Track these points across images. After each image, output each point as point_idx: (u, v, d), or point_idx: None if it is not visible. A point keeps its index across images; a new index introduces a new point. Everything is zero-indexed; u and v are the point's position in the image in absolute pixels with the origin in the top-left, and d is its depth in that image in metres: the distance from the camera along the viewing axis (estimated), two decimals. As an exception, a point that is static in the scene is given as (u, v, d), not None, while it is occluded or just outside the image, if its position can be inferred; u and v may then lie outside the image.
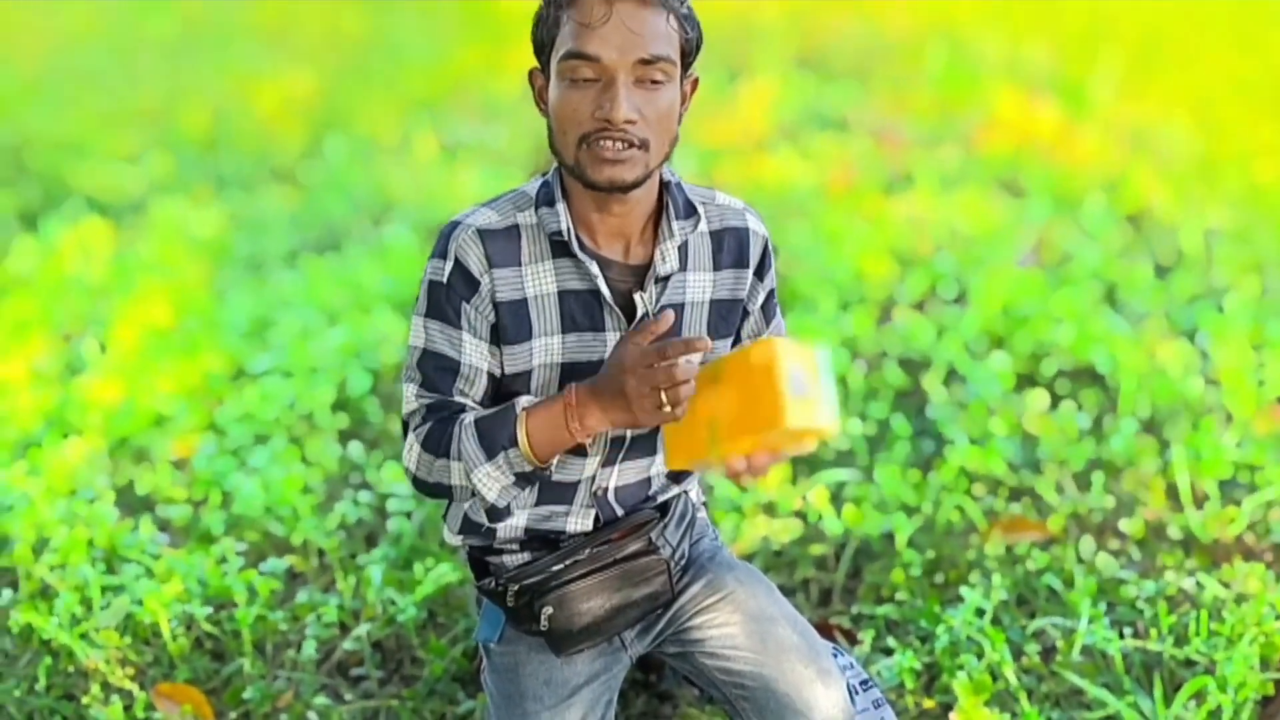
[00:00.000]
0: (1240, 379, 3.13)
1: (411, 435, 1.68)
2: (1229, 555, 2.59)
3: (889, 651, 2.33)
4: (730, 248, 1.78)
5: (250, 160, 5.75)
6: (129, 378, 3.35)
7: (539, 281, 1.67)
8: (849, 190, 4.79)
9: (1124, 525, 2.68)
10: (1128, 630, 2.32)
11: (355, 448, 3.06)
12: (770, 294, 1.87)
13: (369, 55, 7.69)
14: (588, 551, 1.77)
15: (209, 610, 2.35)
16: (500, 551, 1.85)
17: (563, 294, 1.68)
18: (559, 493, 1.79)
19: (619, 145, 1.57)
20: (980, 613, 2.35)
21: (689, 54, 1.64)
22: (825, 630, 2.36)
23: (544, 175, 1.73)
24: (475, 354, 1.68)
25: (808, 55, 7.02)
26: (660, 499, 1.88)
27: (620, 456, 1.79)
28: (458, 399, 1.68)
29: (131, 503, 2.90)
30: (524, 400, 1.63)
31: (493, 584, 1.78)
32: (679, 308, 1.74)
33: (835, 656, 1.84)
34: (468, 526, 1.84)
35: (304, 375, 3.38)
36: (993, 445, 2.90)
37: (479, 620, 1.90)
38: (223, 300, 3.99)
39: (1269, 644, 2.20)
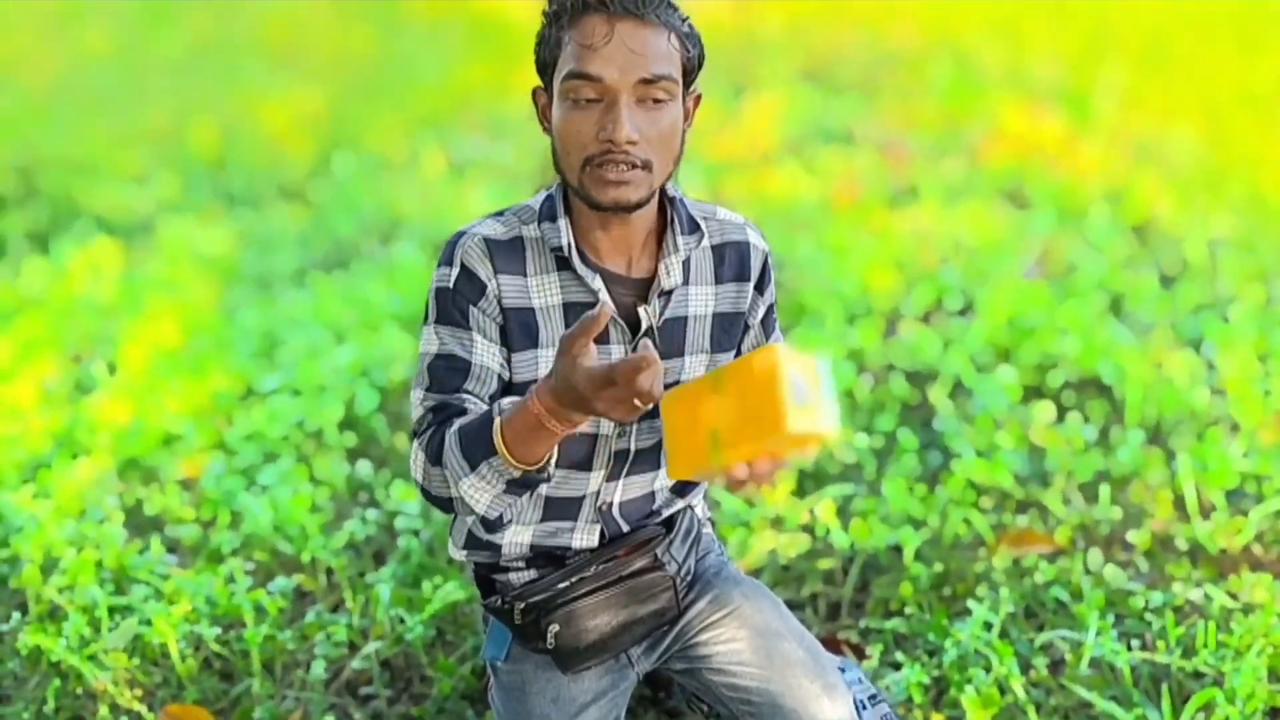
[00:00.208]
0: (1246, 389, 3.13)
1: (416, 443, 1.65)
2: (1236, 566, 2.59)
3: (897, 666, 2.32)
4: (731, 262, 1.79)
5: (259, 179, 5.78)
6: (138, 398, 3.36)
7: (544, 293, 1.69)
8: (854, 203, 4.80)
9: (1131, 536, 2.68)
10: (1135, 642, 2.32)
11: (363, 466, 3.07)
12: (770, 308, 1.88)
13: (377, 73, 7.72)
14: (594, 568, 1.77)
15: (218, 630, 2.36)
16: (506, 569, 1.86)
17: (568, 306, 1.69)
18: (564, 509, 1.80)
19: (622, 168, 1.58)
20: (988, 626, 2.35)
21: (691, 71, 1.65)
22: (833, 645, 2.36)
23: (548, 189, 1.74)
24: (486, 354, 1.67)
25: (812, 69, 7.04)
26: (665, 514, 1.89)
27: (624, 471, 1.80)
28: (464, 398, 1.65)
29: (140, 523, 2.91)
30: (504, 403, 1.57)
31: (499, 602, 1.79)
32: (682, 321, 1.75)
33: (843, 671, 1.85)
34: (472, 542, 1.84)
35: (312, 394, 3.39)
36: (999, 457, 2.90)
37: (486, 639, 1.90)
38: (231, 319, 4.01)
39: (1277, 655, 2.20)
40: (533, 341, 1.69)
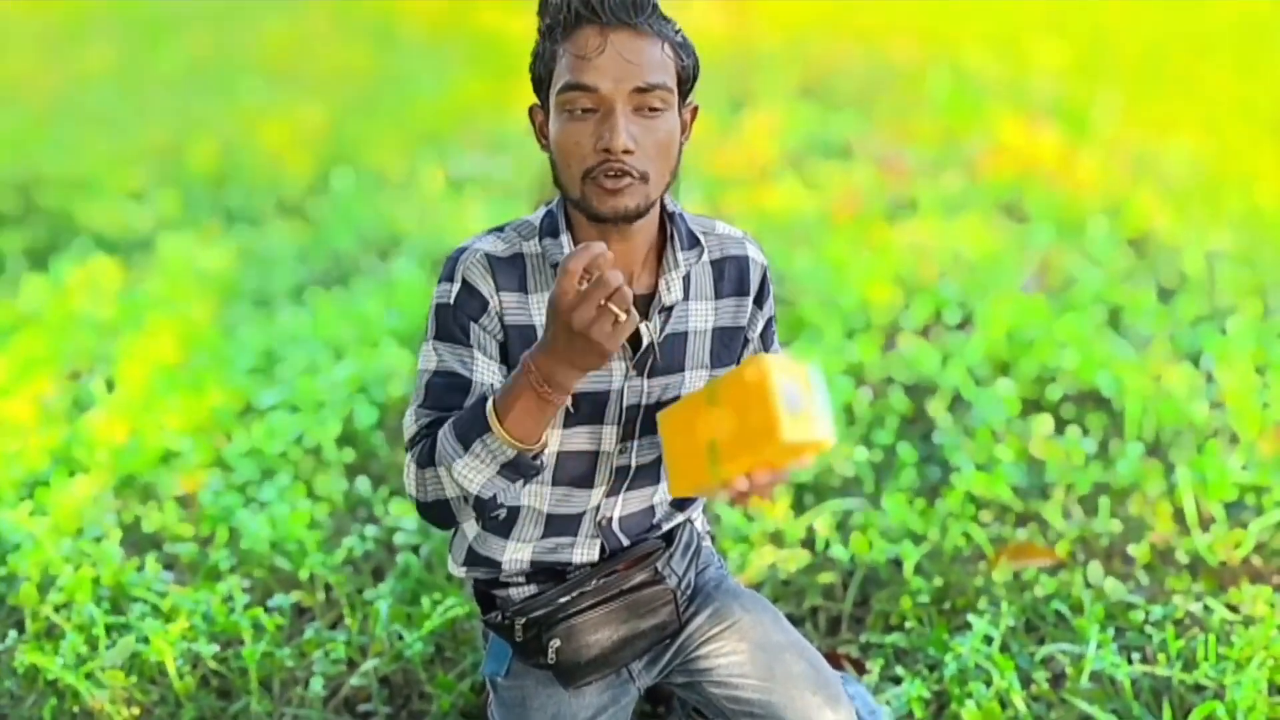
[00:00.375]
0: (1245, 401, 3.13)
1: (409, 457, 1.64)
2: (1236, 578, 2.58)
3: (897, 680, 2.32)
4: (731, 276, 1.79)
5: (258, 195, 5.79)
6: (136, 415, 3.36)
7: (545, 310, 1.69)
8: (853, 218, 4.80)
9: (1131, 549, 2.68)
10: (1136, 655, 2.31)
11: (362, 482, 3.06)
12: (770, 322, 1.88)
13: (376, 90, 7.74)
14: (594, 583, 1.77)
15: (215, 648, 2.35)
16: (506, 584, 1.85)
17: (568, 326, 1.69)
18: (564, 524, 1.80)
19: (620, 177, 1.58)
20: (989, 640, 2.35)
21: (686, 82, 1.65)
22: (834, 659, 2.36)
23: (549, 205, 1.74)
24: (486, 371, 1.66)
25: (811, 84, 7.06)
26: (665, 528, 1.89)
27: (625, 486, 1.80)
28: None
29: (138, 541, 2.90)
30: (492, 384, 1.58)
31: (499, 617, 1.78)
32: (682, 336, 1.75)
33: (844, 685, 1.84)
34: (472, 558, 1.84)
35: (311, 410, 3.39)
36: (999, 471, 2.90)
37: (486, 654, 1.90)
38: (230, 336, 4.01)
39: (1278, 667, 2.19)
40: None
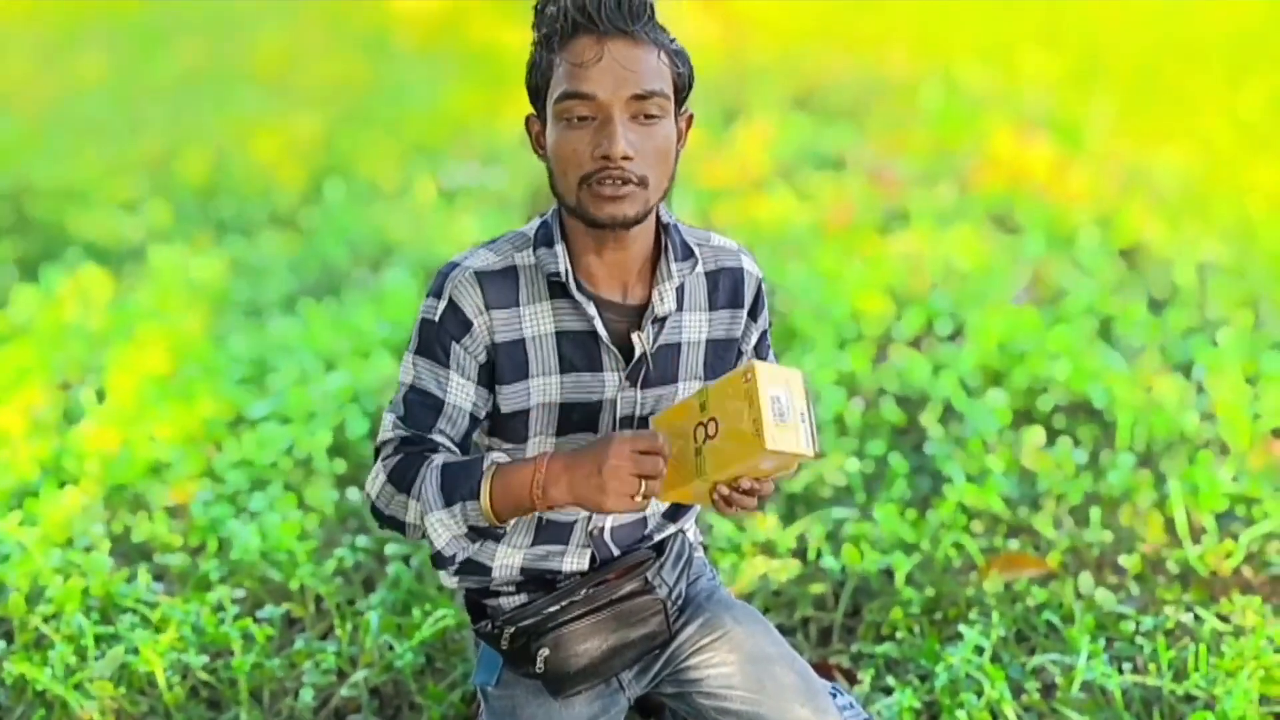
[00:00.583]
0: (1236, 412, 3.13)
1: (380, 463, 1.68)
2: (1227, 589, 2.59)
3: (889, 690, 2.32)
4: (725, 288, 1.80)
5: (250, 206, 5.78)
6: (126, 425, 3.35)
7: (537, 322, 1.69)
8: (846, 229, 4.81)
9: (1122, 560, 2.68)
10: (1127, 665, 2.31)
11: (353, 493, 3.06)
12: (764, 334, 1.88)
13: (369, 101, 7.74)
14: (584, 592, 1.77)
15: (205, 659, 2.35)
16: (497, 593, 1.85)
17: (560, 334, 1.69)
18: (555, 533, 1.80)
19: (619, 184, 1.59)
20: (980, 650, 2.35)
21: (682, 89, 1.66)
22: (825, 669, 2.35)
23: (543, 216, 1.74)
24: (460, 394, 1.69)
25: (803, 96, 7.07)
26: (657, 538, 1.88)
27: (617, 497, 1.79)
28: (436, 437, 1.68)
29: (128, 551, 2.90)
30: (498, 456, 1.63)
31: (489, 626, 1.78)
32: (675, 348, 1.75)
33: (834, 696, 1.84)
34: (464, 567, 1.83)
35: (302, 420, 3.38)
36: (990, 482, 2.90)
37: (476, 664, 1.90)
38: (221, 346, 4.00)
39: (1268, 677, 2.19)
40: (523, 373, 1.69)
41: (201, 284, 4.63)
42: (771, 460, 1.52)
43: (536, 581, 1.83)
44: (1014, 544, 2.77)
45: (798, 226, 4.85)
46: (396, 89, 7.97)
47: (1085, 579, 2.59)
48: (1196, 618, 2.47)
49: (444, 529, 1.62)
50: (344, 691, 2.33)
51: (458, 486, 1.60)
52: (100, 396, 3.61)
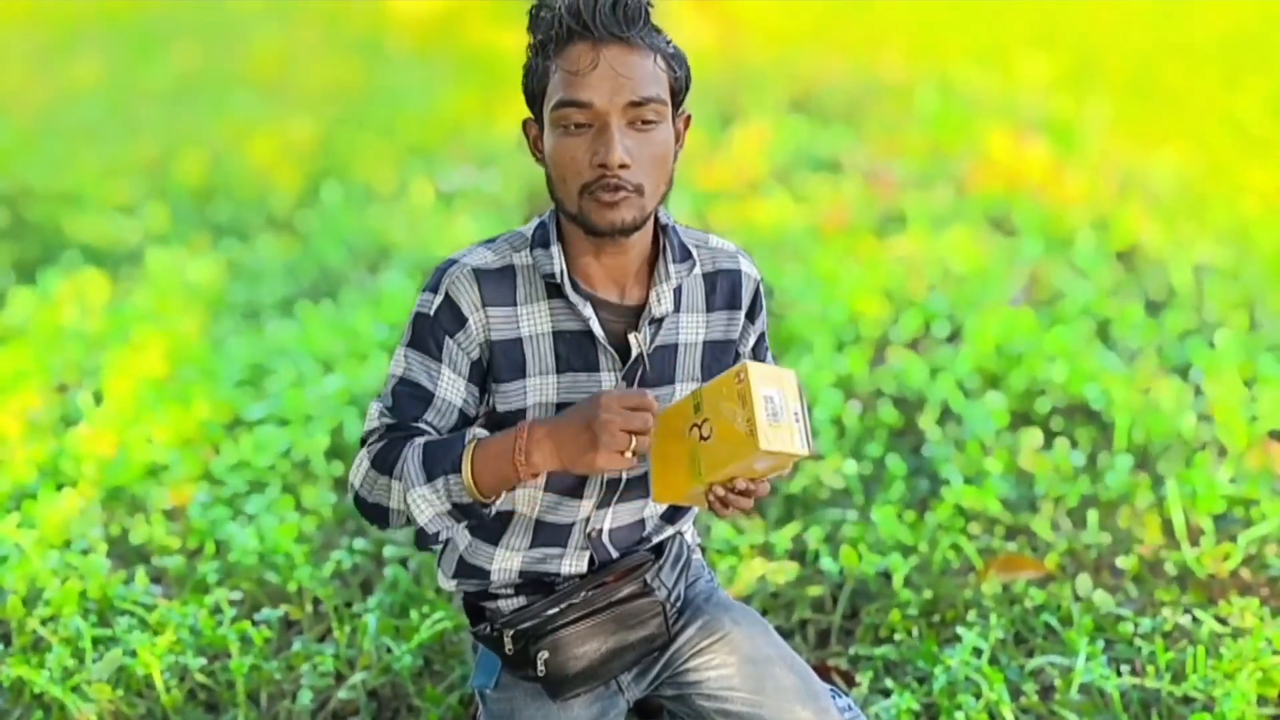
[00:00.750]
0: (1233, 414, 3.14)
1: (364, 450, 1.67)
2: (1225, 590, 2.59)
3: (887, 693, 2.32)
4: (723, 290, 1.80)
5: (247, 209, 5.78)
6: (124, 428, 3.35)
7: (534, 321, 1.69)
8: (842, 232, 4.81)
9: (1120, 562, 2.68)
10: (1125, 667, 2.31)
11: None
12: (761, 336, 1.88)
13: (366, 104, 7.74)
14: (583, 595, 1.77)
15: (203, 661, 2.34)
16: (495, 596, 1.85)
17: (557, 334, 1.69)
18: (553, 535, 1.79)
19: (617, 192, 1.59)
20: (978, 652, 2.35)
21: (678, 92, 1.66)
22: (823, 672, 2.35)
23: (541, 217, 1.74)
24: (451, 390, 1.68)
25: (800, 99, 7.07)
26: (655, 540, 1.88)
27: (615, 499, 1.79)
28: (422, 428, 1.67)
29: (125, 554, 2.89)
30: (479, 431, 1.62)
31: (488, 629, 1.78)
32: (672, 348, 1.75)
33: (834, 698, 1.84)
34: (462, 570, 1.83)
35: (299, 423, 3.38)
36: (988, 484, 2.90)
37: (474, 667, 1.89)
38: (218, 349, 4.00)
39: (1266, 679, 2.20)
40: (520, 372, 1.69)
41: (198, 287, 4.62)
42: (766, 460, 1.52)
43: (535, 584, 1.83)
44: (1012, 546, 2.77)
45: (794, 229, 4.86)
46: (393, 92, 7.97)
47: (1083, 581, 2.59)
48: (1194, 619, 2.47)
49: (426, 505, 1.60)
50: (342, 694, 2.32)
51: (439, 461, 1.59)
52: (98, 399, 3.61)
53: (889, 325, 3.96)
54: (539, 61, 1.63)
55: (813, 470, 3.06)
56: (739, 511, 1.62)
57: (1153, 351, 3.67)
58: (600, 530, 1.81)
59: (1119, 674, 2.30)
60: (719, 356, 1.80)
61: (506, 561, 1.80)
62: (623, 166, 1.57)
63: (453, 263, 1.70)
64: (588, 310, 1.67)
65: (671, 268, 1.72)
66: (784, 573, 2.66)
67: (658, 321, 1.73)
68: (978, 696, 2.24)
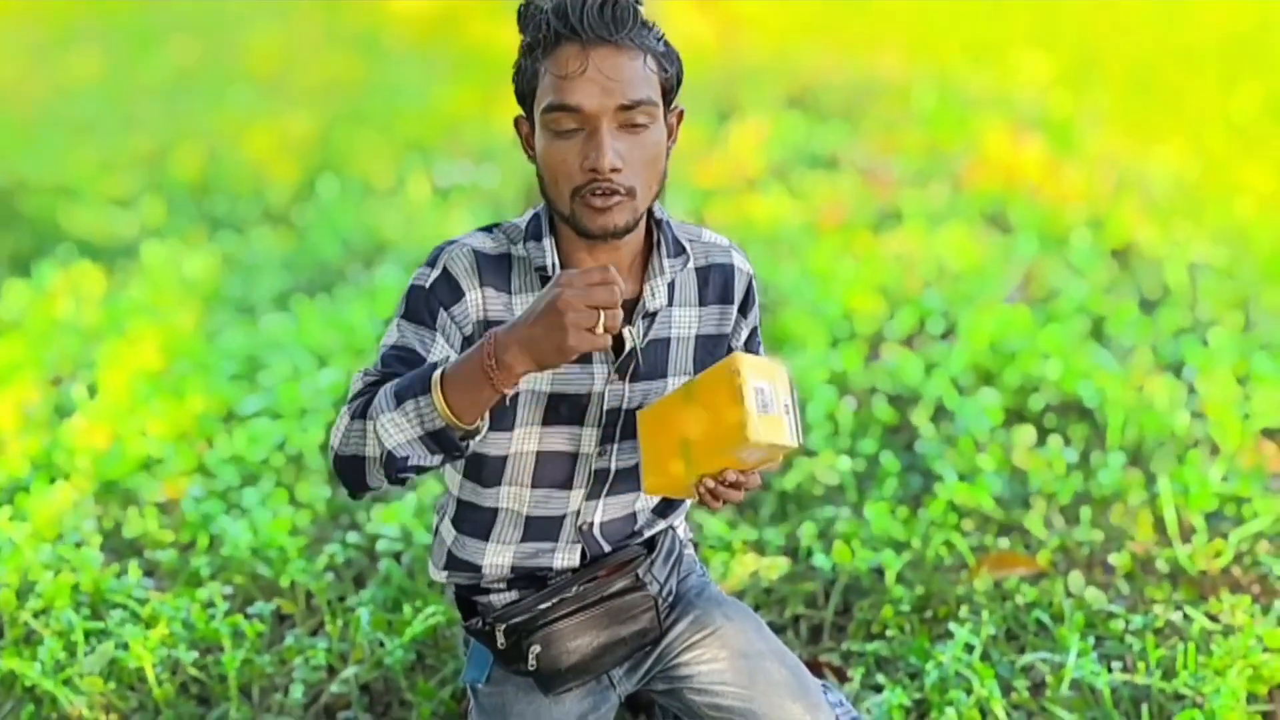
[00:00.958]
0: (1226, 412, 3.14)
1: (345, 410, 1.60)
2: (1216, 588, 2.59)
3: (879, 688, 2.32)
4: (716, 284, 1.80)
5: (243, 203, 5.78)
6: (118, 421, 3.34)
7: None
8: (838, 228, 4.81)
9: (1112, 559, 2.68)
10: (1116, 664, 2.32)
11: (344, 489, 3.05)
12: (754, 330, 1.89)
13: (363, 99, 7.74)
14: (575, 589, 1.77)
15: (195, 654, 2.34)
16: (487, 591, 1.85)
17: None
18: (544, 529, 1.80)
19: (608, 196, 1.59)
20: (969, 648, 2.35)
21: (670, 90, 1.66)
22: (815, 667, 2.36)
23: (535, 209, 1.75)
24: (442, 357, 1.64)
25: (797, 95, 7.07)
26: (647, 534, 1.89)
27: (604, 491, 1.80)
28: None
29: (118, 547, 2.89)
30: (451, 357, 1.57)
31: (480, 624, 1.78)
32: (665, 343, 1.76)
33: (825, 693, 1.84)
34: (452, 562, 1.84)
35: (293, 417, 3.38)
36: (981, 480, 2.90)
37: (466, 661, 1.90)
38: (213, 342, 4.00)
39: (1256, 676, 2.20)
40: None
41: (194, 280, 4.62)
42: (755, 452, 1.53)
43: (527, 579, 1.84)
44: (1004, 543, 2.78)
45: (791, 225, 4.85)
46: (390, 86, 7.96)
47: (1075, 578, 2.59)
48: (1186, 617, 2.47)
49: (395, 429, 1.52)
50: (334, 688, 2.32)
51: (409, 388, 1.52)
52: (92, 392, 3.61)
53: (884, 322, 3.96)
54: (528, 62, 1.64)
55: (806, 466, 3.06)
56: (728, 503, 1.62)
57: (1147, 349, 3.67)
58: (591, 524, 1.82)
59: (1110, 670, 2.31)
60: (711, 351, 1.80)
61: (498, 556, 1.81)
62: (614, 170, 1.58)
63: (452, 242, 1.71)
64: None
65: (665, 262, 1.73)
66: (777, 568, 2.66)
67: (651, 316, 1.73)
68: (969, 692, 2.24)
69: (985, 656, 2.36)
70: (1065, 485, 2.95)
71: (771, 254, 4.48)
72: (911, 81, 7.08)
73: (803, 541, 2.75)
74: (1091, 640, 2.32)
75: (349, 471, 1.60)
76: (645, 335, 1.73)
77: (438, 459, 1.55)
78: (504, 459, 1.74)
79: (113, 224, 5.42)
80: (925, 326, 3.93)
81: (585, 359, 1.71)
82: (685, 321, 1.78)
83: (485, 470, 1.76)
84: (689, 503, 1.96)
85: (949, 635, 2.43)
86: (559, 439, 1.74)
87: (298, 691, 2.29)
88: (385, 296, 4.19)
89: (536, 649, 1.74)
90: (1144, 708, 2.19)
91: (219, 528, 2.82)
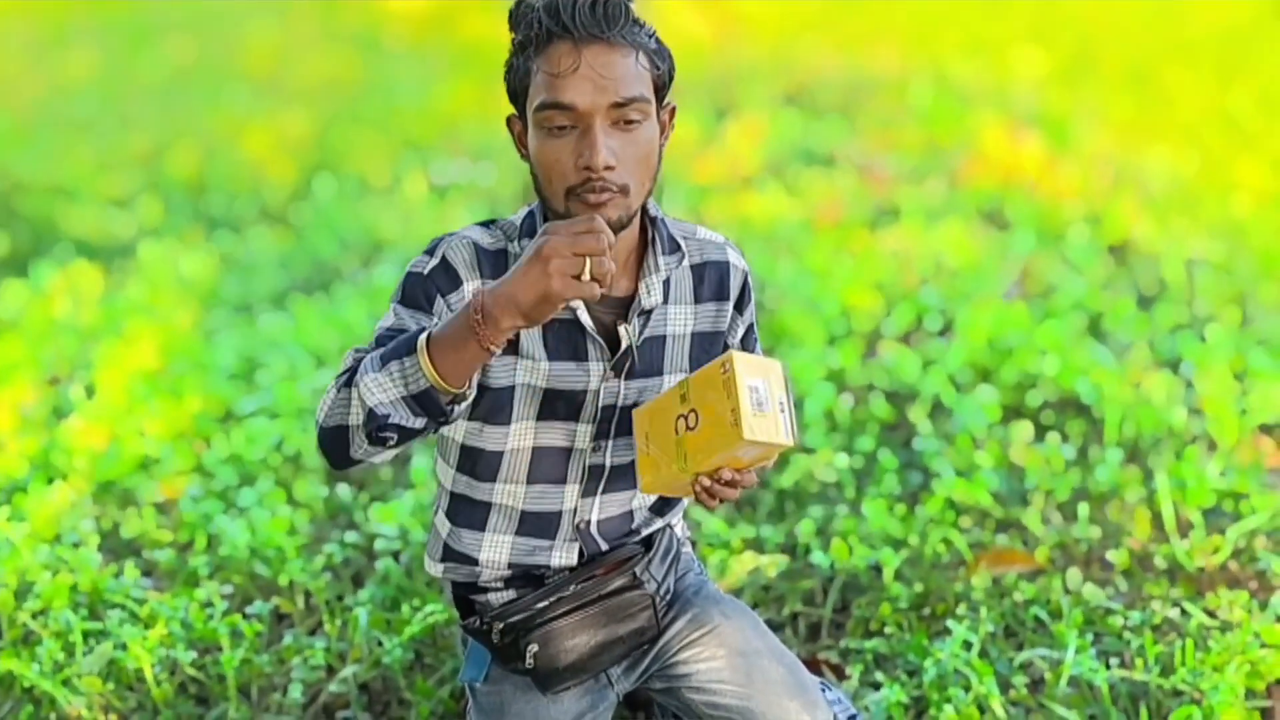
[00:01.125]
0: (1223, 408, 3.14)
1: (333, 383, 1.57)
2: (1214, 584, 2.60)
3: (877, 686, 2.32)
4: (711, 281, 1.80)
5: (240, 202, 5.78)
6: (116, 421, 3.34)
7: None
8: (836, 225, 4.81)
9: (1110, 555, 2.69)
10: (1114, 660, 2.32)
11: (342, 488, 3.05)
12: (750, 327, 1.89)
13: (360, 97, 7.74)
14: (572, 588, 1.77)
15: (193, 654, 2.34)
16: (485, 589, 1.85)
17: (546, 324, 1.69)
18: (541, 525, 1.80)
19: (602, 193, 1.59)
20: (968, 645, 2.35)
21: (662, 87, 1.66)
22: (813, 665, 2.36)
23: (530, 207, 1.75)
24: None
25: (794, 93, 7.07)
26: (644, 533, 1.89)
27: (600, 488, 1.80)
28: None
29: (116, 547, 2.89)
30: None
31: (478, 623, 1.78)
32: (661, 340, 1.76)
33: (823, 690, 1.84)
34: (449, 555, 1.84)
35: (291, 416, 3.38)
36: (979, 477, 2.90)
37: (464, 661, 1.90)
38: (211, 342, 4.00)
39: (1254, 672, 2.20)
40: (512, 349, 1.69)
41: (191, 280, 4.62)
42: (751, 450, 1.53)
43: (525, 577, 1.84)
44: (1002, 539, 2.78)
45: (788, 223, 4.85)
46: (387, 85, 7.96)
47: (1073, 574, 2.60)
48: (1184, 613, 2.47)
49: (378, 389, 1.49)
50: (332, 687, 2.33)
51: (395, 350, 1.50)
52: (90, 392, 3.60)
53: (881, 319, 3.96)
54: (520, 60, 1.63)
55: (804, 464, 3.06)
56: (725, 501, 1.62)
57: (1144, 345, 3.67)
58: (588, 521, 1.82)
59: (1108, 667, 2.31)
60: (707, 348, 1.81)
61: (494, 551, 1.81)
62: (608, 168, 1.58)
63: (452, 235, 1.72)
64: (575, 300, 1.67)
65: (660, 259, 1.73)
66: (775, 566, 2.66)
67: (647, 313, 1.73)
68: (967, 689, 2.25)
69: (983, 653, 2.36)
70: (1063, 482, 2.95)
71: (768, 251, 4.48)
72: (908, 78, 7.08)
73: (801, 539, 2.75)
74: (1090, 637, 2.32)
75: (332, 442, 1.58)
76: (641, 333, 1.73)
77: (420, 422, 1.52)
78: (500, 454, 1.75)
79: (110, 224, 5.42)
80: (923, 323, 3.93)
81: (581, 357, 1.71)
82: (681, 319, 1.78)
83: (480, 465, 1.77)
84: (686, 501, 1.97)
85: (947, 632, 2.43)
86: (554, 434, 1.74)
87: (296, 691, 2.29)
88: (383, 295, 4.19)
89: (534, 648, 1.74)
90: (1142, 704, 2.19)
91: (217, 527, 2.82)
